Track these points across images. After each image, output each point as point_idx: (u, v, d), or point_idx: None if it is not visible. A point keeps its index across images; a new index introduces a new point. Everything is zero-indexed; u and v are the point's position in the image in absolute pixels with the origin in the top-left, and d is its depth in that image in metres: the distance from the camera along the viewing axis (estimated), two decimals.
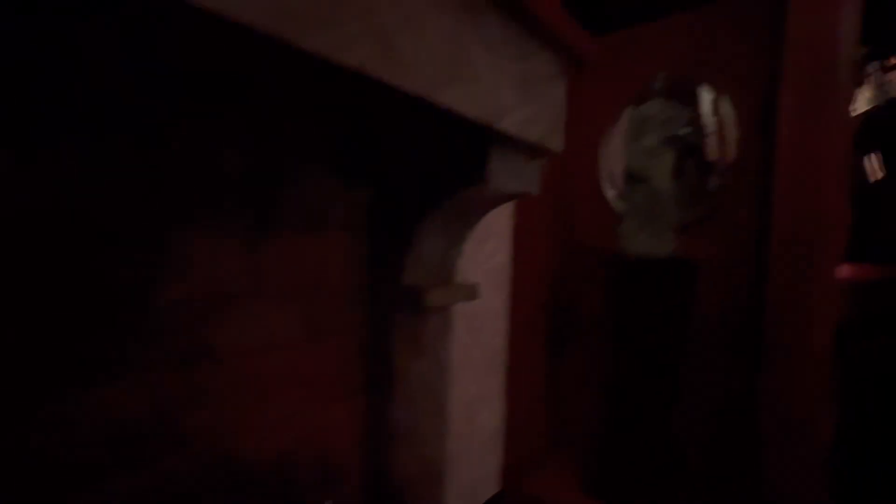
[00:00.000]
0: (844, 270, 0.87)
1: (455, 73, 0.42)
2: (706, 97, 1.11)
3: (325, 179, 0.61)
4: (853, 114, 0.91)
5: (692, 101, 1.13)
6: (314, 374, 0.62)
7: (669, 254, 0.99)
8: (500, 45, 0.48)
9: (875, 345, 0.90)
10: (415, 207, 0.64)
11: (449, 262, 0.71)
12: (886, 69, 0.89)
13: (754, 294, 1.01)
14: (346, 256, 0.65)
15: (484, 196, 0.60)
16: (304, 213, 0.59)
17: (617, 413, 1.13)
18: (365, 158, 0.66)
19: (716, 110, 1.09)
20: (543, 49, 0.55)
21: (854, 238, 0.91)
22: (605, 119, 1.27)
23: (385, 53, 0.35)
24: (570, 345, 1.31)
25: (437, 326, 0.70)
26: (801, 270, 0.83)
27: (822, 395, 0.81)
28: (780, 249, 0.81)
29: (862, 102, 0.93)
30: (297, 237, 0.59)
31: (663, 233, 1.01)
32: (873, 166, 0.90)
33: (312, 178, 0.59)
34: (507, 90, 0.50)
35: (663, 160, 1.02)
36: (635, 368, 1.09)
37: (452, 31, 0.42)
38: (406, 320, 0.67)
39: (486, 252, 1.08)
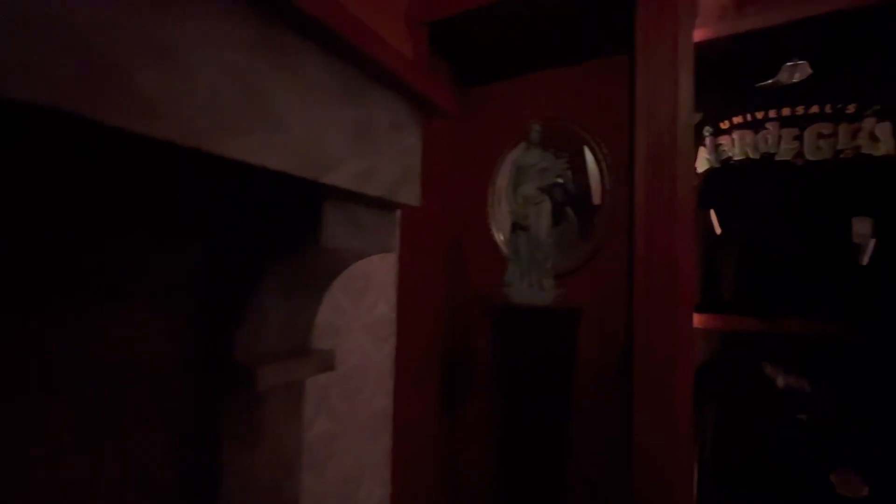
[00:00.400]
0: (698, 320, 0.93)
1: (248, 120, 0.35)
2: (586, 148, 1.16)
3: (134, 237, 0.49)
4: (697, 172, 1.00)
5: (571, 150, 1.17)
6: (104, 484, 0.48)
7: (550, 302, 0.98)
8: (322, 90, 0.42)
9: (728, 388, 0.97)
10: (249, 271, 0.54)
11: (298, 330, 0.61)
12: (718, 133, 1.00)
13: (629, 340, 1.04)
14: (165, 330, 0.53)
15: (323, 257, 0.52)
16: (102, 281, 0.47)
17: (510, 470, 1.08)
18: (187, 214, 0.55)
19: (595, 160, 1.14)
20: (385, 95, 0.50)
21: (704, 289, 0.98)
22: (491, 164, 1.28)
23: (130, 97, 0.27)
24: (464, 399, 1.24)
25: (278, 408, 0.58)
26: (660, 319, 0.87)
27: (686, 441, 0.82)
28: (641, 299, 0.82)
29: (702, 163, 1.03)
30: (92, 309, 0.46)
31: (544, 281, 1.01)
32: (715, 221, 0.98)
33: (116, 236, 0.47)
34: (334, 139, 0.43)
35: (541, 209, 1.02)
36: (526, 421, 1.05)
37: (242, 70, 0.34)
38: (237, 404, 0.55)
39: (366, 305, 0.99)
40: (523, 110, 1.24)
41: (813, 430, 0.86)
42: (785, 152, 0.94)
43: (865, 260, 0.85)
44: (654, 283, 0.81)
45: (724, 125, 1.01)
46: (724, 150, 0.99)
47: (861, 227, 0.84)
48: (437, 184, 1.18)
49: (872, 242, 0.84)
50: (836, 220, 0.87)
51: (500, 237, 1.24)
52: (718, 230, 0.98)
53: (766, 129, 0.97)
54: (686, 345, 0.81)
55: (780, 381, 0.93)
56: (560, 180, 1.03)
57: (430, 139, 1.15)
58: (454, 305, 1.24)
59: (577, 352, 1.06)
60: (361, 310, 0.97)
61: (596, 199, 1.15)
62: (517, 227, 1.05)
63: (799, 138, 0.92)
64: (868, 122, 0.86)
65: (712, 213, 0.99)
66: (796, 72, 0.94)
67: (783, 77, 0.96)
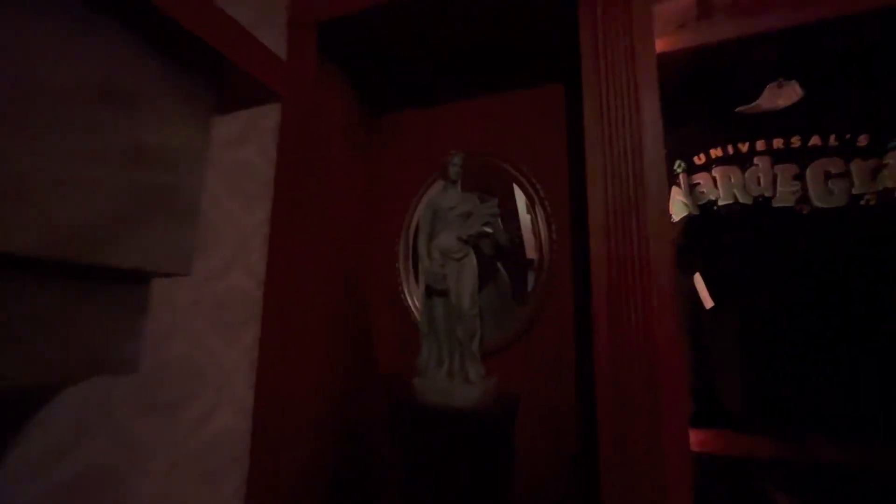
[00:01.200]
0: (695, 439, 0.68)
1: None
2: (517, 187, 0.93)
3: None
4: (672, 220, 0.79)
5: (499, 191, 0.94)
6: None
7: (478, 401, 0.70)
8: None
9: None
10: None
11: None
12: (693, 170, 0.80)
13: (587, 442, 0.77)
14: None
15: None
16: None
17: None
18: None
19: (529, 202, 0.91)
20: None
21: (695, 391, 0.74)
22: (405, 207, 1.00)
23: None
24: None
25: None
26: (639, 439, 0.62)
27: None
28: (607, 408, 0.56)
29: (677, 208, 0.82)
30: None
31: (470, 369, 0.72)
32: (703, 290, 0.75)
33: None
34: None
35: (464, 266, 0.75)
36: None
37: None
38: None
39: (192, 417, 0.64)
40: (445, 142, 1.00)
41: None
42: (784, 197, 0.70)
43: None
44: (626, 383, 0.56)
45: (700, 159, 0.78)
46: (702, 193, 0.79)
47: None
48: (334, 234, 0.88)
49: None
50: (868, 288, 0.64)
51: (415, 303, 0.95)
52: (709, 303, 0.74)
53: (755, 165, 0.73)
54: (680, 477, 0.56)
55: None
56: (488, 229, 0.78)
57: (328, 176, 0.86)
58: (353, 397, 0.91)
59: (513, 464, 0.77)
60: (182, 428, 0.61)
61: (530, 251, 0.91)
62: (432, 291, 0.77)
63: (800, 178, 0.69)
64: (893, 157, 0.65)
65: (698, 280, 0.76)
66: (782, 94, 0.73)
67: (765, 101, 0.75)
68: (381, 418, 0.89)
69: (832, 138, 0.69)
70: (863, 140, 0.67)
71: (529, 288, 0.89)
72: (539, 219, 0.89)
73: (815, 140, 0.70)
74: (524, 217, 0.92)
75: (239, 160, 0.75)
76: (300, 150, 0.80)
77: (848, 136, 0.68)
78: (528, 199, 0.92)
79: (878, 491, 0.61)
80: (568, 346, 0.83)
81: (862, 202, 0.66)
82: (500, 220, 0.91)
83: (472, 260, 0.77)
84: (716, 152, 0.77)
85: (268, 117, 0.81)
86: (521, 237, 0.92)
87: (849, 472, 0.62)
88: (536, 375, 0.84)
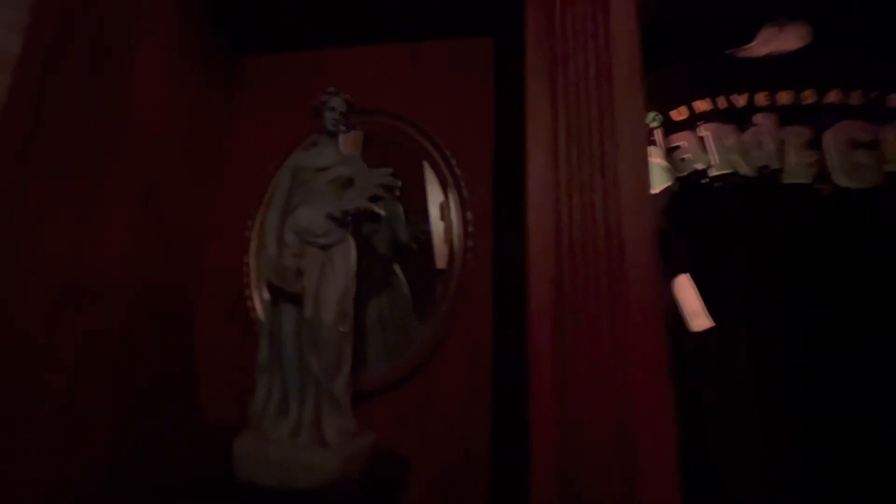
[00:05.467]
0: None
1: None
2: (427, 165, 0.68)
3: None
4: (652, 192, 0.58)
5: (403, 168, 0.68)
6: None
7: (338, 474, 0.42)
8: None
9: None
10: None
11: None
12: (671, 127, 0.59)
13: None
14: None
15: None
16: None
17: None
18: None
19: (441, 185, 0.66)
20: None
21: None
22: (265, 175, 0.70)
23: None
24: None
25: None
26: None
27: None
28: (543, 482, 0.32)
29: (655, 176, 0.60)
30: None
31: (329, 425, 0.44)
32: (692, 301, 0.52)
33: None
34: None
35: (333, 259, 0.48)
36: None
37: None
38: None
39: None
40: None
41: None
42: (796, 171, 0.50)
43: None
44: (581, 464, 0.32)
45: (681, 114, 0.56)
46: (685, 159, 0.55)
47: None
48: (137, 209, 0.56)
49: None
50: None
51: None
52: (703, 323, 0.50)
53: (755, 125, 0.53)
54: None
55: None
56: (379, 210, 0.52)
57: (135, 124, 0.54)
58: (159, 468, 0.57)
59: None
60: None
61: (440, 258, 0.66)
62: (280, 294, 0.48)
63: (815, 145, 0.50)
64: None
65: (687, 283, 0.53)
66: (788, 36, 0.55)
67: (763, 44, 0.56)
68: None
69: (855, 94, 0.51)
70: (894, 98, 0.50)
71: (435, 301, 0.64)
72: (452, 205, 0.65)
73: (833, 96, 0.52)
74: (435, 201, 0.68)
75: None
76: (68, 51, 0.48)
77: (874, 92, 0.51)
78: (439, 180, 0.68)
79: None
80: (481, 378, 0.58)
81: None
82: (400, 205, 0.66)
83: (349, 251, 0.50)
84: (702, 105, 0.56)
85: None
86: (428, 230, 0.67)
87: None
88: (437, 426, 0.58)
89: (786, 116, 0.53)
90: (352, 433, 0.46)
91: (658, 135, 0.55)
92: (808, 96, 0.52)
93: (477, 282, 0.62)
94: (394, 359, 0.60)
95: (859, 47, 0.53)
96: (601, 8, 0.44)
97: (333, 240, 0.48)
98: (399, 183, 0.57)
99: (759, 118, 0.53)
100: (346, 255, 0.49)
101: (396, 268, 0.66)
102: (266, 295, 0.59)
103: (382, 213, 0.54)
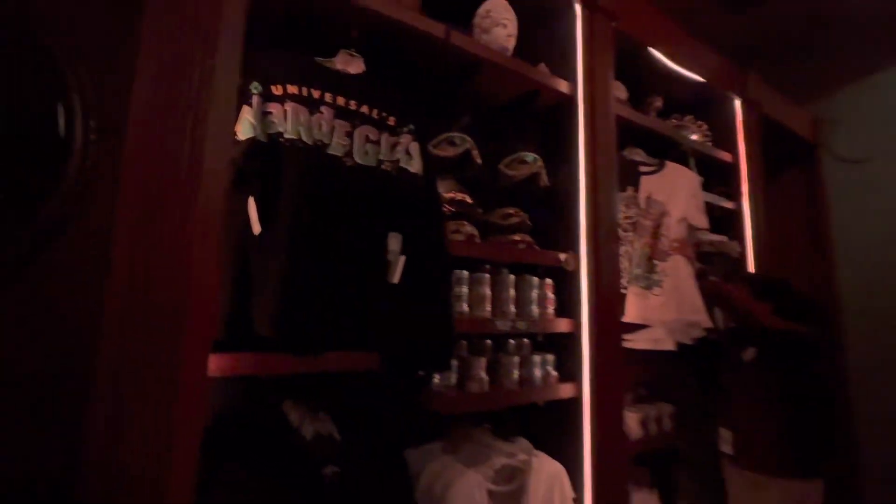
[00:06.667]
0: (217, 364, 0.63)
1: None
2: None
3: None
4: (237, 138, 0.74)
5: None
6: None
7: None
8: None
9: (250, 443, 0.73)
10: None
11: None
12: (269, 98, 0.77)
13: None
14: None
15: None
16: None
17: None
18: None
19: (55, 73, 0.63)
20: None
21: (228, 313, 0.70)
22: None
23: None
24: None
25: None
26: (149, 365, 0.53)
27: None
28: (114, 329, 0.46)
29: (245, 128, 0.75)
30: None
31: None
32: (254, 215, 0.73)
33: None
34: None
35: None
36: None
37: None
38: None
39: None
40: None
41: (338, 485, 0.73)
42: (337, 147, 0.80)
43: (396, 278, 0.82)
44: (148, 305, 0.48)
45: (277, 90, 0.78)
46: (273, 122, 0.77)
47: (394, 244, 0.81)
48: None
49: (402, 260, 0.82)
50: (378, 233, 0.81)
51: None
52: (257, 228, 0.71)
53: (321, 112, 0.80)
54: (193, 404, 0.52)
55: (308, 431, 0.77)
56: None
57: None
58: None
59: None
60: None
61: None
62: None
63: (350, 136, 0.82)
64: (405, 139, 0.88)
65: (252, 204, 0.71)
66: (352, 64, 0.89)
67: (339, 63, 0.88)
68: None
69: (374, 111, 0.86)
70: (391, 120, 0.88)
71: (52, 192, 0.64)
72: (72, 93, 0.65)
73: (364, 108, 0.85)
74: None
75: None
76: None
77: (384, 114, 0.87)
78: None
79: (368, 388, 0.86)
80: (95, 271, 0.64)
81: (384, 166, 0.86)
82: None
83: None
84: (292, 89, 0.79)
85: None
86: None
87: (352, 376, 0.78)
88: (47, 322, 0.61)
89: (338, 113, 0.83)
90: None
91: (256, 100, 0.75)
92: (353, 104, 0.85)
93: (105, 174, 0.65)
94: None
95: (387, 82, 0.87)
96: None
97: None
98: None
99: (323, 109, 0.81)
100: None
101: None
102: None
103: None
